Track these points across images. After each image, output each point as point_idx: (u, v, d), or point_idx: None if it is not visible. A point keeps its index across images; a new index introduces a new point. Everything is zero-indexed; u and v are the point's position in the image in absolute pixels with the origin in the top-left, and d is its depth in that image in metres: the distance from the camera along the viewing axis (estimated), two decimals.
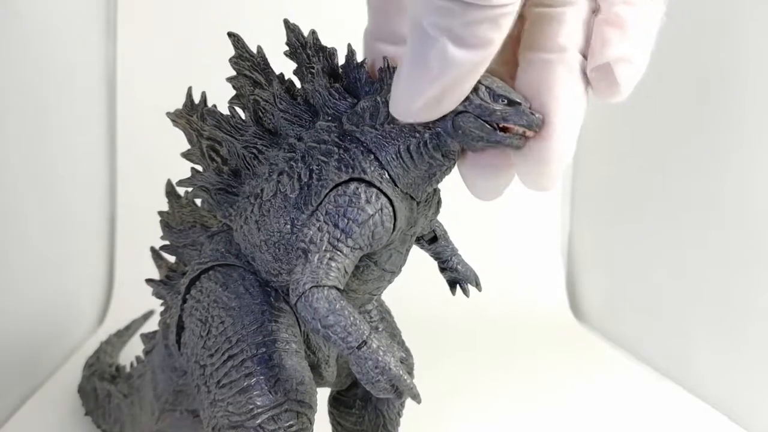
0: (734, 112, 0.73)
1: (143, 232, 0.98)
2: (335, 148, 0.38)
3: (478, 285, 0.49)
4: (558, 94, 0.33)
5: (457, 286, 0.49)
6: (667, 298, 0.85)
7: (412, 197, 0.39)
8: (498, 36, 0.30)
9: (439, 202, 0.43)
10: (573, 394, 0.75)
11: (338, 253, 0.36)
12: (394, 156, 0.37)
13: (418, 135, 0.36)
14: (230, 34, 0.41)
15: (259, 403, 0.38)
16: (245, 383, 0.39)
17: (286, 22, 0.40)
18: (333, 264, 0.36)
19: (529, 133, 0.34)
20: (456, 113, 0.34)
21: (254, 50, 0.41)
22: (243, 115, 0.42)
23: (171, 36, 1.04)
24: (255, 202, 0.40)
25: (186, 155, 0.44)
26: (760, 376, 0.68)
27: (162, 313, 0.49)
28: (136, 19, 1.03)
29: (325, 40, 0.39)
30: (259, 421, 0.38)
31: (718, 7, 0.76)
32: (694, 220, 0.80)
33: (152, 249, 0.52)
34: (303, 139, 0.39)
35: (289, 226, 0.38)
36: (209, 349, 0.41)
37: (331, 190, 0.37)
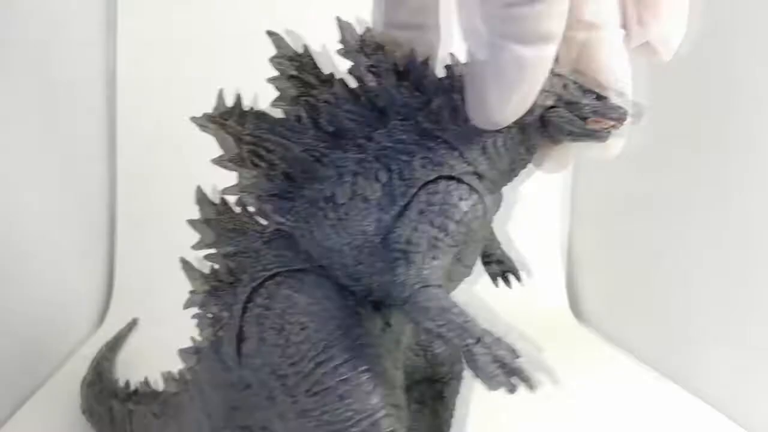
0: (737, 111, 0.73)
1: (143, 232, 0.98)
2: (416, 147, 0.37)
3: (519, 277, 0.49)
4: (608, 72, 0.35)
5: (498, 278, 0.48)
6: (668, 298, 0.85)
7: (494, 191, 0.38)
8: (557, 26, 0.31)
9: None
10: (573, 395, 0.75)
11: (438, 251, 0.36)
12: (480, 152, 0.37)
13: (504, 130, 0.36)
14: (270, 33, 0.40)
15: (357, 409, 0.37)
16: (342, 390, 0.37)
17: (338, 20, 0.39)
18: (435, 263, 0.36)
19: (617, 125, 0.35)
20: (546, 108, 0.35)
21: (291, 49, 0.40)
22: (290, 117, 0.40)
23: (172, 36, 1.03)
24: (327, 206, 0.39)
25: (219, 162, 0.41)
26: (761, 377, 0.67)
27: (203, 326, 0.46)
28: (136, 20, 1.03)
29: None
30: (359, 429, 0.37)
31: (720, 10, 0.76)
32: (695, 220, 0.80)
33: (183, 260, 0.46)
34: (374, 139, 0.38)
35: (372, 228, 0.38)
36: (290, 357, 0.39)
37: (419, 189, 0.37)
